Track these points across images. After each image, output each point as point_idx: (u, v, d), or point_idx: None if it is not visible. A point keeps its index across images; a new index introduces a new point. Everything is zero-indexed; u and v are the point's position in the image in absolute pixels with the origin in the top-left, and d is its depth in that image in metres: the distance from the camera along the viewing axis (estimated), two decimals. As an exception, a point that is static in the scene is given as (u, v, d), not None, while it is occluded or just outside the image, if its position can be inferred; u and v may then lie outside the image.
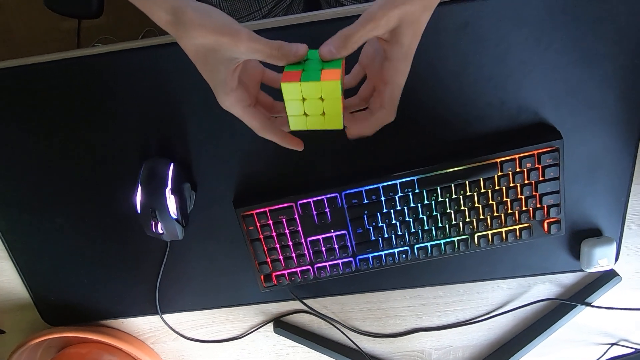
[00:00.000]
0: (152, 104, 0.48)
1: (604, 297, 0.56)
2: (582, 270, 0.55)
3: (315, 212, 0.50)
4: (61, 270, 0.57)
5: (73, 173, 0.51)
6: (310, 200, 0.49)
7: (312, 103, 0.33)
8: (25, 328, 0.61)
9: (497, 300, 0.58)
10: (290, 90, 0.32)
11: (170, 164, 0.48)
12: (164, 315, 0.59)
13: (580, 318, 0.58)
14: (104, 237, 0.55)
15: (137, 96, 0.48)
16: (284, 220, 0.50)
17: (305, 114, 0.34)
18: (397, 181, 0.48)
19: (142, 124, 0.49)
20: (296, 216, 0.50)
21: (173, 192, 0.48)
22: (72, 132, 0.50)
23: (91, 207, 0.53)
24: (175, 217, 0.49)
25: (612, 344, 0.60)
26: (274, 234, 0.51)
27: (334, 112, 0.33)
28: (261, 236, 0.51)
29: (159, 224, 0.48)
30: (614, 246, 0.52)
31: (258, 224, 0.51)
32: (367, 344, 0.61)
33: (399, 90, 0.34)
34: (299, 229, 0.51)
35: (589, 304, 0.56)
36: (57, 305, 0.59)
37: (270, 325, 0.60)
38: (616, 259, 0.54)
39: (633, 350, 0.59)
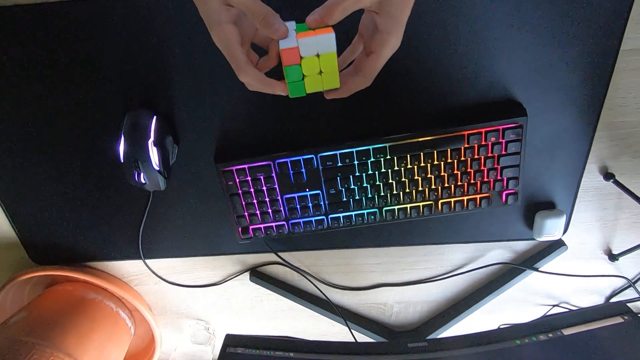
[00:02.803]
0: (138, 56, 0.49)
1: (550, 263, 0.61)
2: (533, 239, 0.60)
3: (291, 172, 0.53)
4: (48, 213, 0.59)
5: (58, 119, 0.52)
6: (288, 160, 0.52)
7: (309, 62, 0.34)
8: (12, 266, 0.64)
9: (456, 261, 0.63)
10: (289, 54, 0.33)
11: (153, 117, 0.50)
12: (146, 261, 0.62)
13: (529, 281, 0.64)
14: (90, 183, 0.57)
15: (123, 47, 0.48)
16: (261, 177, 0.53)
17: (303, 75, 0.34)
18: (370, 147, 0.51)
19: (128, 75, 0.50)
20: (273, 174, 0.53)
21: (155, 144, 0.50)
22: (58, 79, 0.50)
23: (77, 153, 0.55)
24: (158, 168, 0.51)
25: (554, 305, 0.67)
26: (252, 190, 0.54)
27: (330, 70, 0.34)
28: (240, 191, 0.54)
29: (142, 174, 0.51)
30: (564, 219, 0.57)
31: (237, 180, 0.53)
32: (336, 295, 0.66)
33: (381, 60, 0.35)
34: (276, 186, 0.54)
35: (536, 269, 0.61)
36: (44, 246, 0.62)
37: (247, 275, 0.64)
38: (565, 231, 0.59)
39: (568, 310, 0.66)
